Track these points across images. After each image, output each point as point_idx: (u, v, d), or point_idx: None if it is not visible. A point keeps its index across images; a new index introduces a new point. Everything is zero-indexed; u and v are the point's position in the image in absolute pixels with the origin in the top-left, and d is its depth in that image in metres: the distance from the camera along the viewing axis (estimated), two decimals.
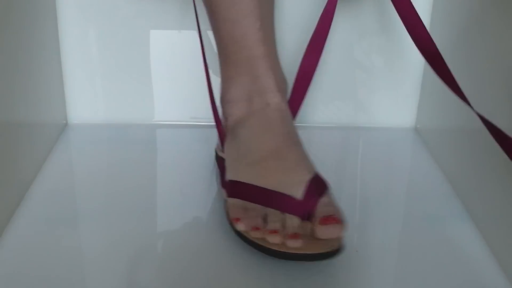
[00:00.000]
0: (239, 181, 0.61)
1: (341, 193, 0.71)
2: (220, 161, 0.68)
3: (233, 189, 0.61)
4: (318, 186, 0.59)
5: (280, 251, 0.55)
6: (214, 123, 0.69)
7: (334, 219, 0.55)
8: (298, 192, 0.57)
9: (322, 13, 0.68)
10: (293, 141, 0.63)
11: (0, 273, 0.57)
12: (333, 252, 0.55)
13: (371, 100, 0.89)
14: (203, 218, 0.66)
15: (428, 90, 0.85)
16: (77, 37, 0.84)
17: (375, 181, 0.75)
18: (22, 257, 0.59)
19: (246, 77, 0.64)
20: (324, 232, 0.55)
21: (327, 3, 0.68)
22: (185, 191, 0.71)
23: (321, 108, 0.89)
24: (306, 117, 0.89)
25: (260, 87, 0.64)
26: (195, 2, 0.67)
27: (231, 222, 0.59)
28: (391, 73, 0.87)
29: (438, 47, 0.62)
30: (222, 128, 0.68)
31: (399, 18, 0.84)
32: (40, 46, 0.77)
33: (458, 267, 0.60)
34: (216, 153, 0.73)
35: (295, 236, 0.55)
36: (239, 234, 0.59)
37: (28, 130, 0.72)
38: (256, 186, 0.59)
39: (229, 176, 0.63)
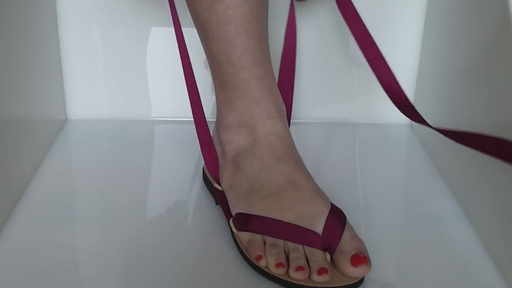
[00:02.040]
0: (258, 215, 0.58)
1: (337, 190, 0.72)
2: (219, 194, 0.64)
3: (251, 223, 0.58)
4: (338, 218, 0.58)
5: (307, 285, 0.54)
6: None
7: (364, 260, 0.54)
8: (320, 225, 0.56)
9: (286, 30, 0.66)
10: (304, 171, 0.61)
11: None
12: (358, 282, 0.55)
13: (367, 96, 0.89)
14: (201, 215, 0.67)
15: (423, 86, 0.86)
16: (77, 33, 0.85)
17: (370, 178, 0.76)
18: (20, 255, 0.59)
19: (244, 100, 0.62)
20: (356, 272, 0.54)
21: (288, 20, 0.66)
22: (183, 187, 0.72)
23: (317, 105, 0.90)
24: (302, 113, 0.89)
25: (260, 112, 0.62)
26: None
27: (253, 259, 0.57)
28: None
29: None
30: (216, 156, 0.65)
31: (394, 16, 0.85)
32: (40, 42, 0.77)
33: (454, 266, 0.60)
34: (206, 179, 0.70)
35: (323, 271, 0.54)
36: (259, 269, 0.57)
37: (28, 126, 0.72)
38: (276, 220, 0.57)
39: (241, 209, 0.60)
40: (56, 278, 0.56)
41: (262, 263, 0.56)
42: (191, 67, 0.62)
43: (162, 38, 0.86)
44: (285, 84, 0.68)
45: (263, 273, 0.56)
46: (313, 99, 0.89)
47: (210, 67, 0.64)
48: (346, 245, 0.56)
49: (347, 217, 0.61)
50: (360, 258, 0.54)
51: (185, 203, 0.69)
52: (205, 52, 0.63)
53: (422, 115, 0.86)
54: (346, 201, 0.69)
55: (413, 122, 0.89)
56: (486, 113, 0.63)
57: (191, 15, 0.63)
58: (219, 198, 0.64)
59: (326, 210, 0.57)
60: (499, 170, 0.60)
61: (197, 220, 0.66)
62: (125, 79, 0.88)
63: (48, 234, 0.63)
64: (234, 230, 0.60)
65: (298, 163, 0.61)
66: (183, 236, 0.63)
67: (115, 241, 0.62)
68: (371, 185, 0.74)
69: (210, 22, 0.60)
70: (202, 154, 0.65)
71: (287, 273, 0.55)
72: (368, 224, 0.66)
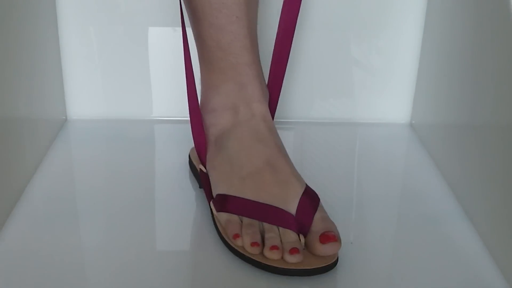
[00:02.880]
0: (236, 196, 0.60)
1: (336, 189, 0.72)
2: (203, 176, 0.66)
3: (229, 204, 0.60)
4: (311, 199, 0.59)
5: (281, 267, 0.55)
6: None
7: (333, 237, 0.56)
8: (293, 205, 0.58)
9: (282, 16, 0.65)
10: (284, 153, 0.63)
11: None
12: (332, 264, 0.56)
13: (367, 96, 0.89)
14: (202, 213, 0.67)
15: (423, 86, 0.86)
16: (77, 34, 0.85)
17: (370, 178, 0.76)
18: (21, 254, 0.59)
19: (231, 84, 0.63)
20: (324, 250, 0.56)
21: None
22: (183, 186, 0.72)
23: (318, 104, 0.90)
24: (302, 113, 0.89)
25: (246, 95, 0.63)
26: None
27: (229, 238, 0.59)
28: (386, 69, 0.88)
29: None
30: (205, 139, 0.66)
31: (394, 16, 0.85)
32: (40, 42, 0.77)
33: (454, 266, 0.60)
34: (192, 163, 0.71)
35: (294, 251, 0.55)
36: (235, 251, 0.58)
37: (28, 126, 0.72)
38: (253, 202, 0.59)
39: (221, 190, 0.62)
40: (56, 277, 0.57)
41: (238, 242, 0.57)
42: (190, 61, 0.63)
43: (161, 38, 0.86)
44: (276, 75, 0.68)
45: (240, 255, 0.57)
46: (313, 99, 0.89)
47: (198, 52, 0.65)
48: (316, 226, 0.57)
49: (345, 214, 0.61)
50: (329, 236, 0.56)
51: (185, 202, 0.69)
52: (194, 37, 0.65)
53: (422, 114, 0.86)
54: (346, 201, 0.70)
55: (413, 121, 0.89)
56: (486, 113, 0.63)
57: (183, 0, 0.64)
58: (203, 181, 0.66)
59: (300, 192, 0.59)
60: (499, 170, 0.60)
61: (197, 218, 0.66)
62: (125, 79, 0.88)
63: (48, 233, 0.63)
64: (214, 212, 0.61)
65: (278, 146, 0.63)
66: (184, 233, 0.64)
67: (115, 240, 0.62)
68: (371, 185, 0.74)
69: (203, 8, 0.61)
70: (193, 136, 0.66)
71: (261, 253, 0.56)
72: (368, 223, 0.66)
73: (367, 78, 0.88)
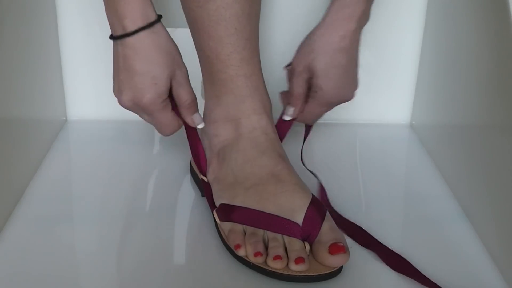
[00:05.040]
0: (240, 206, 0.60)
1: (336, 190, 0.72)
2: (205, 186, 0.66)
3: (233, 213, 0.60)
4: (318, 209, 0.59)
5: (285, 274, 0.55)
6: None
7: (342, 248, 0.55)
8: (300, 216, 0.58)
9: None
10: (287, 164, 0.63)
11: None
12: (336, 271, 0.56)
13: (367, 97, 0.89)
14: (202, 216, 0.67)
15: (423, 86, 0.86)
16: (77, 33, 0.85)
17: (370, 178, 0.76)
18: (20, 254, 0.60)
19: (231, 96, 0.63)
20: (333, 261, 0.56)
21: None
22: (184, 189, 0.72)
23: None
24: None
25: (246, 108, 0.63)
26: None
27: (232, 248, 0.58)
28: (386, 70, 0.88)
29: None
30: (203, 150, 0.66)
31: (395, 16, 0.85)
32: (40, 42, 0.78)
33: (454, 266, 0.60)
34: (193, 172, 0.71)
35: (300, 260, 0.55)
36: (239, 258, 0.58)
37: (28, 126, 0.72)
38: (257, 211, 0.59)
39: (225, 200, 0.62)
40: (56, 277, 0.57)
41: (241, 252, 0.57)
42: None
43: None
44: None
45: (244, 262, 0.57)
46: None
47: (200, 62, 0.65)
48: (325, 235, 0.57)
49: (347, 217, 0.61)
50: (338, 247, 0.55)
51: (186, 205, 0.69)
52: (195, 47, 0.65)
53: (422, 115, 0.86)
54: (347, 201, 0.70)
55: (413, 122, 0.89)
56: (487, 113, 0.63)
57: (183, 11, 0.64)
58: (205, 191, 0.66)
59: (306, 202, 0.59)
60: (499, 171, 0.60)
61: (199, 222, 0.66)
62: None
63: (48, 234, 0.63)
64: (217, 220, 0.61)
65: (281, 156, 0.63)
66: (183, 235, 0.64)
67: (115, 241, 0.62)
68: (371, 185, 0.74)
69: (201, 20, 0.61)
70: (190, 148, 0.67)
71: (265, 262, 0.56)
72: (369, 224, 0.66)
73: (367, 78, 0.88)
